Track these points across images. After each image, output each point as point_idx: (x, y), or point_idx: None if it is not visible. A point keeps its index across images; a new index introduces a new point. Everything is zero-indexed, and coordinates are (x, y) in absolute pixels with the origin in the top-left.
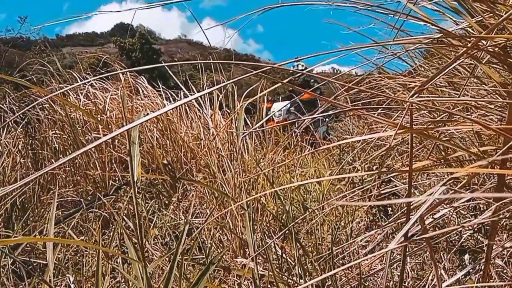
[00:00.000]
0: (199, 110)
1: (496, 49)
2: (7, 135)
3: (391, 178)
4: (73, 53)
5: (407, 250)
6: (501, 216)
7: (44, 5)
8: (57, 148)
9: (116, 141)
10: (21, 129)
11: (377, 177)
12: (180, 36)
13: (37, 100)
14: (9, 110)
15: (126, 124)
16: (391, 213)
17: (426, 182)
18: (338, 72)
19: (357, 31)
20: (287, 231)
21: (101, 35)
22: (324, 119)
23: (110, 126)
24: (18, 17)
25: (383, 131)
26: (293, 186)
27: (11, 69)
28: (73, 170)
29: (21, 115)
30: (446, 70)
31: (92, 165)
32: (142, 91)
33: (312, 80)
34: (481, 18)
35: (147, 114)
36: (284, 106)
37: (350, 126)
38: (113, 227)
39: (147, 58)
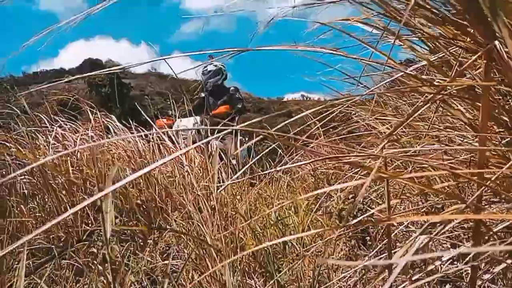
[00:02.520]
0: (173, 144)
1: (462, 93)
2: None
3: (368, 207)
4: (41, 90)
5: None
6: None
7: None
8: (27, 193)
9: (88, 183)
10: None
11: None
12: (150, 69)
13: (4, 145)
14: None
15: (96, 165)
16: (369, 242)
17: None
18: (308, 99)
19: (328, 64)
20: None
21: (69, 71)
22: (245, 141)
23: (81, 168)
24: None
25: (356, 176)
26: (271, 221)
27: None
28: (43, 215)
29: None
30: (413, 117)
31: (63, 209)
32: (113, 129)
33: (232, 88)
34: (443, 54)
35: (119, 153)
36: (194, 123)
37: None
38: (88, 276)
39: (117, 93)
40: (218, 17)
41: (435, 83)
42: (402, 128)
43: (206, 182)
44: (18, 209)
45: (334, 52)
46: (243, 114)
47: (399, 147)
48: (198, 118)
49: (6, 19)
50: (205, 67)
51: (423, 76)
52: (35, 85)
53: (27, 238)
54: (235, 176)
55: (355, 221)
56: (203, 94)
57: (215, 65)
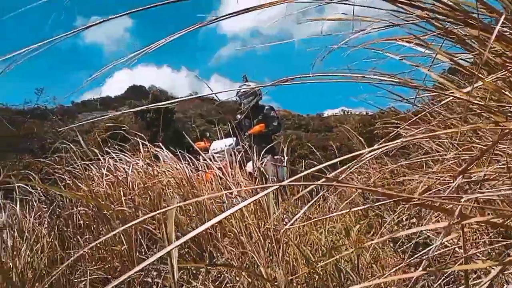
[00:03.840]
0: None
1: None
2: (31, 213)
3: (428, 240)
4: (89, 118)
5: None
6: None
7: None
8: (82, 224)
9: (140, 212)
10: (46, 208)
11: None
12: (192, 93)
13: (60, 177)
14: (33, 189)
15: (150, 195)
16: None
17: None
18: (349, 114)
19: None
20: None
21: (115, 98)
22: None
23: (133, 197)
24: (35, 89)
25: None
26: (322, 246)
27: (30, 139)
28: (99, 246)
29: (45, 194)
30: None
31: (117, 239)
32: (162, 158)
33: (267, 107)
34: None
35: (168, 181)
36: (229, 144)
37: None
38: None
39: (162, 118)
40: (254, 38)
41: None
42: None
43: (253, 208)
44: (75, 239)
45: (395, 81)
46: (279, 132)
47: (471, 189)
48: (233, 139)
49: (56, 55)
50: (241, 88)
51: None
52: (84, 113)
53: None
54: (299, 215)
55: (420, 255)
56: (239, 116)
57: (250, 86)
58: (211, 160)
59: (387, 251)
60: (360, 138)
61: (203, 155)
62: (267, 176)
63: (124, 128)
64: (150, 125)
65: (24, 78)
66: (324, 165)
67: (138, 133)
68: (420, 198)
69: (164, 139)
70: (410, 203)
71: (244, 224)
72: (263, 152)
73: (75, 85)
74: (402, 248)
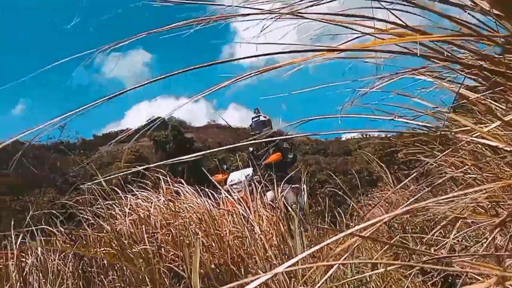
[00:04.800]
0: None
1: None
2: (56, 253)
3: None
4: (110, 150)
5: None
6: None
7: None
8: (106, 264)
9: (163, 249)
10: (70, 249)
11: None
12: (209, 122)
13: (84, 217)
14: (57, 231)
15: (172, 232)
16: None
17: None
18: (368, 136)
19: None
20: None
21: (135, 130)
22: (303, 187)
23: (155, 235)
24: (58, 125)
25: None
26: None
27: (54, 173)
28: (123, 285)
29: (68, 234)
30: None
31: (141, 278)
32: (183, 194)
33: (285, 143)
34: None
35: (190, 216)
36: (246, 175)
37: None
38: None
39: (181, 149)
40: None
41: None
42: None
43: (277, 242)
44: (99, 279)
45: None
46: (295, 164)
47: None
48: (251, 169)
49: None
50: (253, 119)
51: None
52: (105, 145)
53: None
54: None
55: None
56: (251, 149)
57: (264, 116)
58: (228, 193)
59: (416, 283)
60: (381, 164)
61: (221, 188)
62: (288, 205)
63: (144, 166)
64: (171, 156)
65: (48, 115)
66: None
67: (159, 169)
68: (458, 260)
69: (183, 169)
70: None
71: (268, 264)
72: (282, 182)
73: (96, 119)
74: (432, 281)
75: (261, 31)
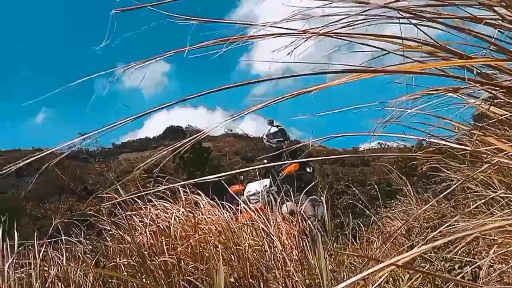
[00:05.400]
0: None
1: None
2: (75, 264)
3: None
4: (129, 158)
5: None
6: None
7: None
8: (126, 275)
9: (183, 261)
10: (91, 260)
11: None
12: (227, 131)
13: (104, 228)
14: (77, 242)
15: (191, 243)
16: None
17: None
18: (386, 146)
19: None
20: None
21: (153, 139)
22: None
23: (175, 246)
24: (78, 133)
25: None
26: None
27: (74, 181)
28: None
29: (89, 245)
30: None
31: None
32: (203, 205)
33: (299, 153)
34: None
35: (209, 228)
36: (264, 186)
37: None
38: None
39: (199, 158)
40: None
41: None
42: None
43: (297, 257)
44: None
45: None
46: (313, 174)
47: None
48: (268, 180)
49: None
50: (269, 130)
51: None
52: (124, 154)
53: None
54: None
55: None
56: (266, 161)
57: (278, 127)
58: (246, 203)
59: None
60: (402, 176)
61: (239, 199)
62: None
63: (163, 176)
64: (189, 165)
65: (68, 123)
66: None
67: (177, 179)
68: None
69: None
70: None
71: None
72: (301, 194)
73: (116, 128)
74: None
75: (292, 50)
